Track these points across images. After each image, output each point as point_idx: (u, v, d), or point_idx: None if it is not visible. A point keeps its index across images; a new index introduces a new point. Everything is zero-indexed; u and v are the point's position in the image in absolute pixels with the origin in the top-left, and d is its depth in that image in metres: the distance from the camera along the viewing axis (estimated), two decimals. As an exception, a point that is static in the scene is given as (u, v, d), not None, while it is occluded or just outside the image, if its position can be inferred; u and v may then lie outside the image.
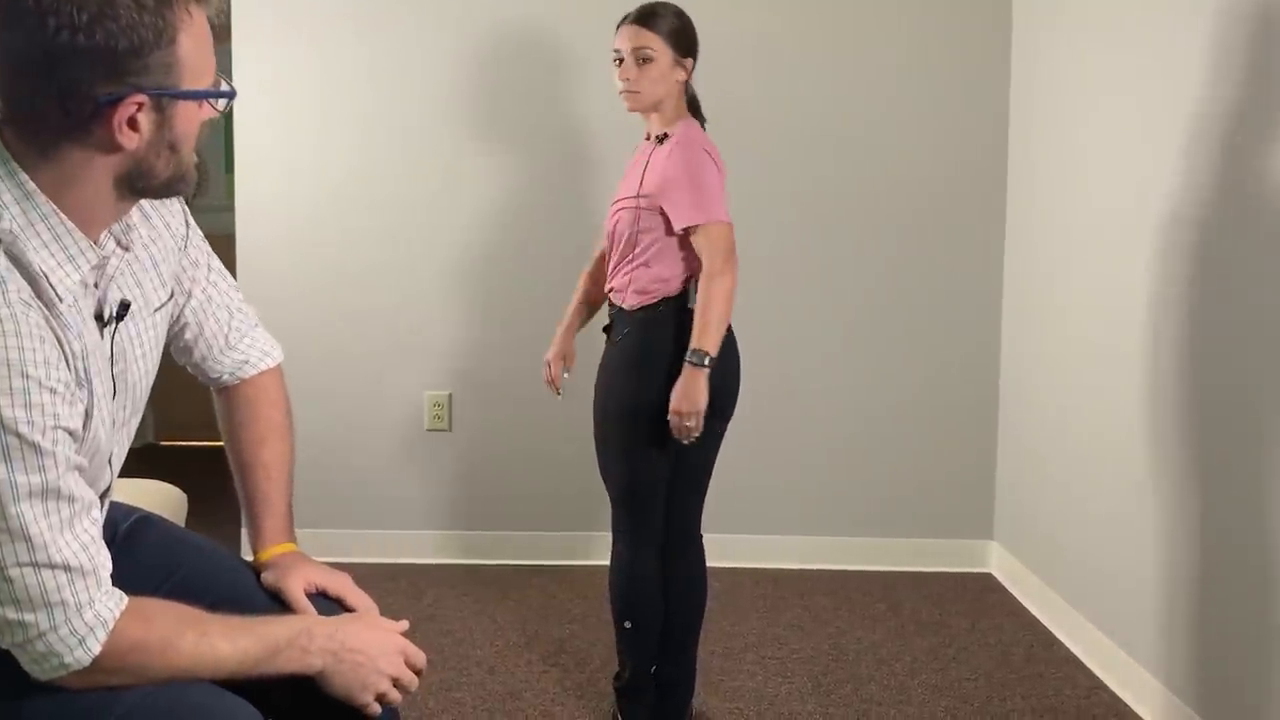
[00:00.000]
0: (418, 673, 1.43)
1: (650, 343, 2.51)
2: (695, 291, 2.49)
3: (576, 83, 3.74)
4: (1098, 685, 2.97)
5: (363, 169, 3.82)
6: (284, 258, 3.84)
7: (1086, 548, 3.15)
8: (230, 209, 3.94)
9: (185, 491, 2.77)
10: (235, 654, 1.30)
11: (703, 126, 2.59)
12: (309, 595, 1.48)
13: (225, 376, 1.60)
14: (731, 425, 2.68)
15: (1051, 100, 3.44)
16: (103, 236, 1.30)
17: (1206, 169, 2.55)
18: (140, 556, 1.48)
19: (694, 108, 2.62)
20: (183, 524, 2.50)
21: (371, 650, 1.38)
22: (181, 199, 1.50)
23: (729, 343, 2.53)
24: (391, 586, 3.62)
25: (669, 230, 2.48)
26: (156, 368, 1.47)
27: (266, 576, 1.50)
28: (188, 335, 1.55)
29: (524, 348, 3.85)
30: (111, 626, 1.23)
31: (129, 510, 1.57)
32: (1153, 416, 2.76)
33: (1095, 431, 3.09)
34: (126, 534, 1.52)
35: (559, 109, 3.78)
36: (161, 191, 1.31)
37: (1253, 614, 2.38)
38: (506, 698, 2.85)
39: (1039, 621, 3.42)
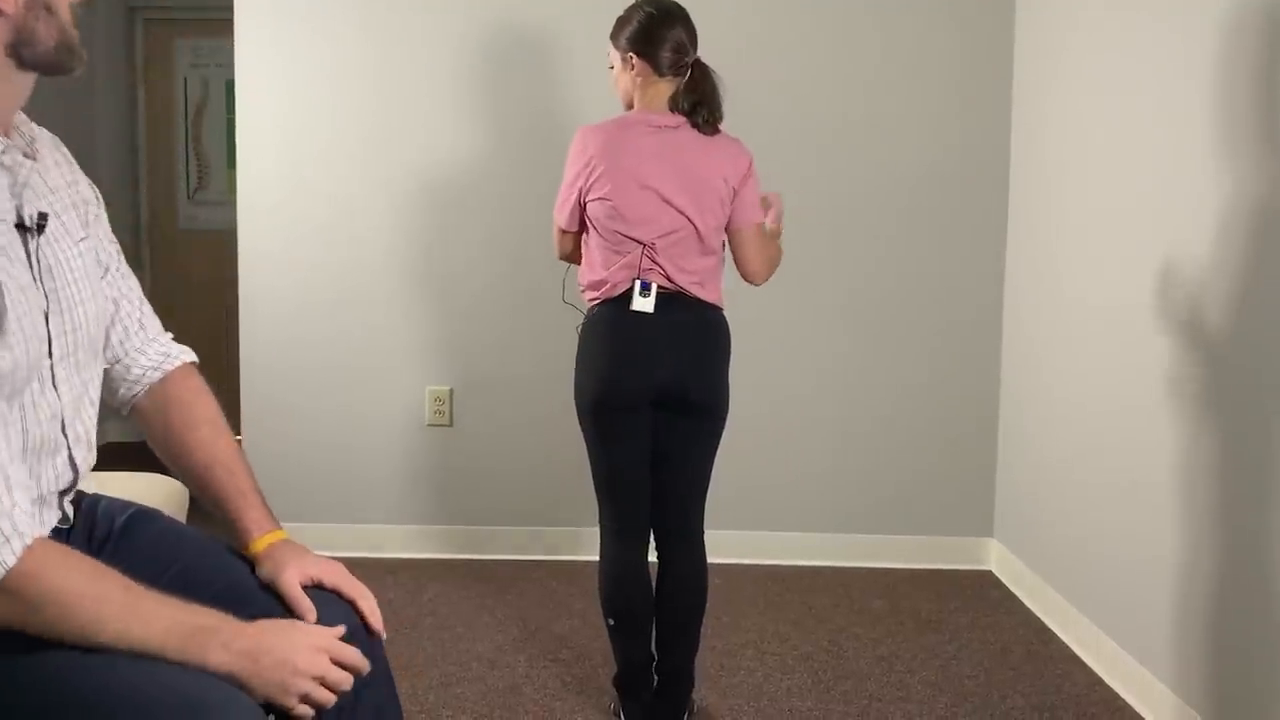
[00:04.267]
0: (355, 673, 1.36)
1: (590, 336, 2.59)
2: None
3: (583, 78, 3.74)
4: (1096, 682, 2.98)
5: (364, 164, 3.82)
6: (285, 252, 3.84)
7: (1086, 545, 3.16)
8: (233, 203, 3.94)
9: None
10: (137, 631, 1.26)
11: (701, 115, 2.55)
12: (306, 589, 1.46)
13: (150, 373, 1.60)
14: (732, 422, 2.68)
15: (1054, 98, 3.44)
16: (5, 144, 1.34)
17: (1211, 167, 2.55)
18: (137, 551, 1.48)
19: (688, 91, 2.56)
20: (184, 519, 2.50)
21: (282, 649, 1.31)
22: (99, 205, 1.57)
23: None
24: (392, 581, 3.63)
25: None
26: (100, 311, 1.50)
27: (262, 571, 1.49)
28: (109, 307, 1.57)
29: (526, 343, 3.86)
30: (30, 542, 1.24)
31: (125, 504, 1.57)
32: (1153, 413, 2.77)
33: (1096, 429, 3.10)
34: (123, 528, 1.52)
35: (564, 105, 3.78)
36: (51, 62, 1.36)
37: (1255, 610, 2.38)
38: (507, 693, 2.86)
39: (1039, 619, 3.42)
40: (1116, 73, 3.02)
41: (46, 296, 1.38)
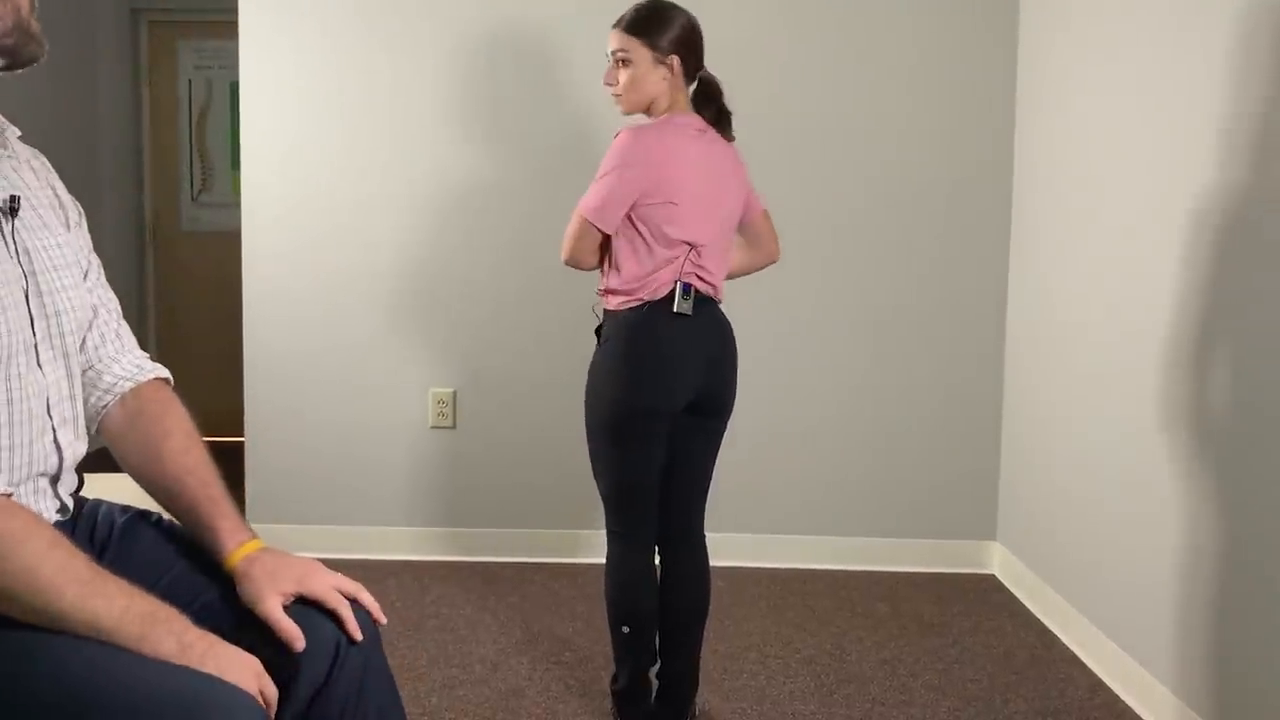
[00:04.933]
0: (266, 707, 1.33)
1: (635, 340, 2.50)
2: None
3: (585, 80, 3.74)
4: (1099, 685, 2.98)
5: (368, 166, 3.82)
6: (289, 254, 3.84)
7: (1089, 549, 3.15)
8: (236, 205, 3.95)
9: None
10: (96, 604, 1.25)
11: (726, 122, 2.60)
12: (289, 608, 1.42)
13: (122, 382, 1.58)
14: (736, 425, 2.68)
15: (1057, 103, 3.44)
16: None
17: (1215, 171, 2.54)
18: (135, 554, 1.48)
19: (707, 100, 2.59)
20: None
21: (228, 660, 1.30)
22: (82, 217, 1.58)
23: (702, 336, 2.52)
24: (395, 583, 3.63)
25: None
26: (84, 303, 1.51)
27: (243, 591, 1.44)
28: (88, 312, 1.57)
29: (529, 346, 3.86)
30: None
31: (125, 508, 1.57)
32: (1156, 417, 2.76)
33: (1098, 432, 3.09)
34: (122, 530, 1.52)
35: (566, 105, 3.78)
36: (9, 47, 1.36)
37: (1257, 613, 2.38)
38: (509, 695, 2.85)
39: (1041, 622, 3.42)
40: (1121, 77, 3.02)
41: (25, 276, 1.40)
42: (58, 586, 1.24)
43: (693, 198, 2.46)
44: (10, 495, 1.29)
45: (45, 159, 1.57)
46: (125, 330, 1.64)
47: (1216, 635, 2.52)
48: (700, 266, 2.50)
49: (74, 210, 1.58)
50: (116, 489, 1.54)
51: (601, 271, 2.57)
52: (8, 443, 1.37)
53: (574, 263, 2.53)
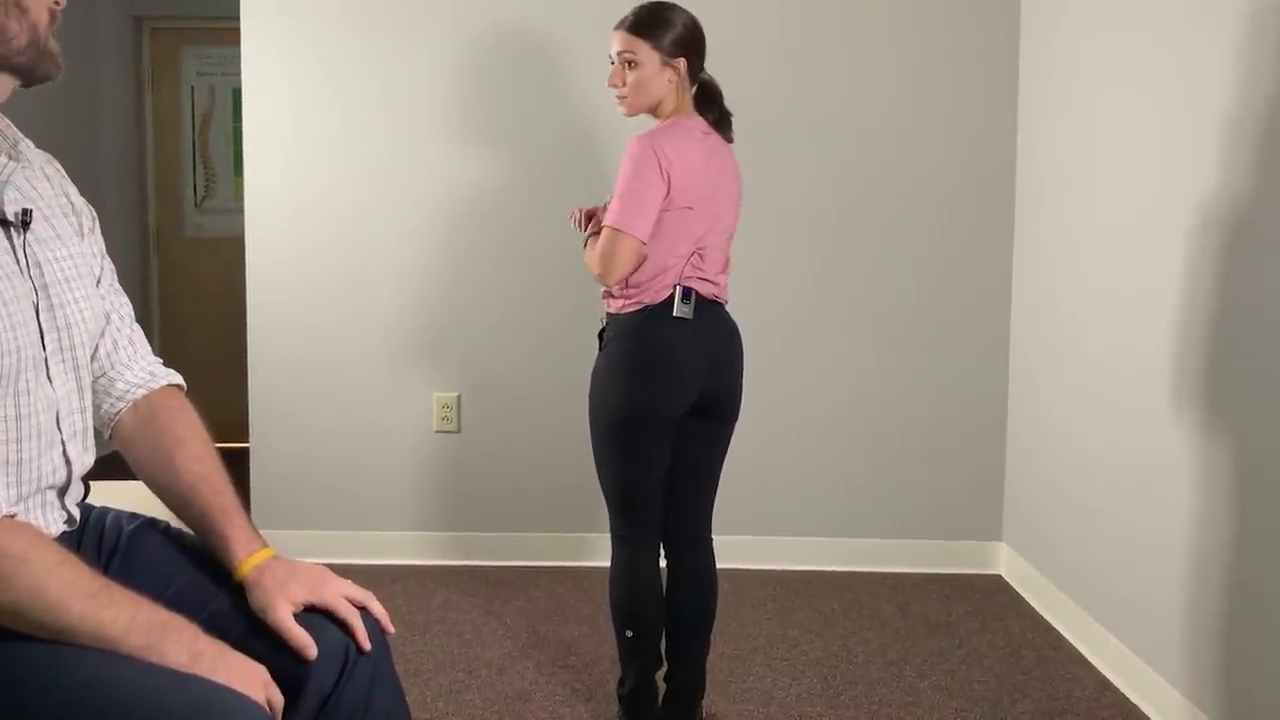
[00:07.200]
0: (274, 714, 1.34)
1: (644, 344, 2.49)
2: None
3: (587, 81, 3.74)
4: (1107, 686, 2.97)
5: (371, 171, 3.83)
6: (293, 259, 3.85)
7: (1095, 549, 3.15)
8: (240, 211, 3.95)
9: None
10: (104, 615, 1.26)
11: (727, 125, 2.60)
12: (299, 616, 1.42)
13: (135, 389, 1.58)
14: (740, 427, 2.67)
15: (1060, 105, 3.44)
16: None
17: (1219, 172, 2.54)
18: (143, 562, 1.48)
19: (709, 103, 2.59)
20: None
21: (238, 669, 1.30)
22: (95, 225, 1.58)
23: (688, 338, 2.49)
24: (400, 588, 3.63)
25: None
26: (96, 314, 1.51)
27: (253, 600, 1.44)
28: (101, 319, 1.57)
29: (533, 349, 3.86)
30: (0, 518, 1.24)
31: (132, 515, 1.57)
32: (1161, 416, 2.76)
33: (1103, 433, 3.09)
34: (130, 538, 1.52)
35: (568, 109, 3.78)
36: (24, 65, 1.37)
37: (1266, 612, 2.38)
38: (515, 699, 2.85)
39: (1048, 623, 3.41)
40: (1125, 77, 3.01)
41: (36, 290, 1.40)
42: (65, 602, 1.24)
43: (703, 200, 2.46)
44: (14, 515, 1.29)
45: (58, 164, 1.57)
46: (139, 335, 1.63)
47: (1225, 634, 2.52)
48: (702, 269, 2.49)
49: (87, 216, 1.58)
50: (122, 496, 1.54)
51: None
52: (17, 457, 1.37)
53: (614, 280, 2.44)
